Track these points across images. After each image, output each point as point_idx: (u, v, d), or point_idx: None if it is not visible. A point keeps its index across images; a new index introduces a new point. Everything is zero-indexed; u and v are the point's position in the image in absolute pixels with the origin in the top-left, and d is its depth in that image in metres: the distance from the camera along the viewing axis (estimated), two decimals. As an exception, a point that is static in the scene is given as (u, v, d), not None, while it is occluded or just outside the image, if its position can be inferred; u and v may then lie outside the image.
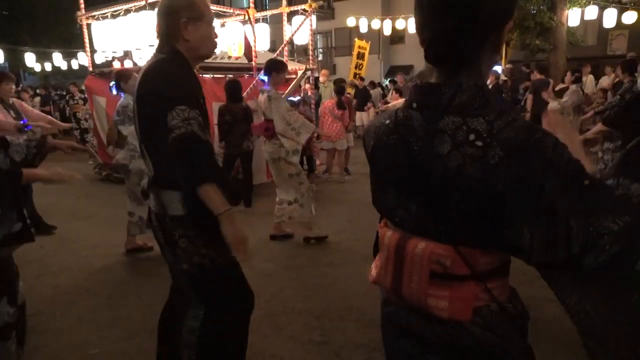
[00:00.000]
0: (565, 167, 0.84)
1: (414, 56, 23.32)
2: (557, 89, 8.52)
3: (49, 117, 5.94)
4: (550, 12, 13.54)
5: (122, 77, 4.34)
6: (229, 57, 7.52)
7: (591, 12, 11.72)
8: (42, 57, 17.75)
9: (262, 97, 4.42)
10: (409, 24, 12.60)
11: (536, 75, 8.61)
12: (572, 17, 12.25)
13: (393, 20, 12.90)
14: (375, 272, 1.13)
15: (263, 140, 4.53)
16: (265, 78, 4.34)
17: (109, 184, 7.74)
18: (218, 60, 7.49)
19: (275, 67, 4.32)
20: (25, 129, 4.26)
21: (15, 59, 18.70)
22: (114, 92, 4.46)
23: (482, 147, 0.88)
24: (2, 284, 2.14)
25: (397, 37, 21.77)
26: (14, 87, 4.95)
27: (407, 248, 1.00)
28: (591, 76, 11.53)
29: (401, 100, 6.77)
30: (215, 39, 1.93)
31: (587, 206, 0.83)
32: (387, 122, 1.05)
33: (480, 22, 0.91)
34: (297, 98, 6.73)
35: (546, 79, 8.37)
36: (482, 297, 0.97)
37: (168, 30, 1.83)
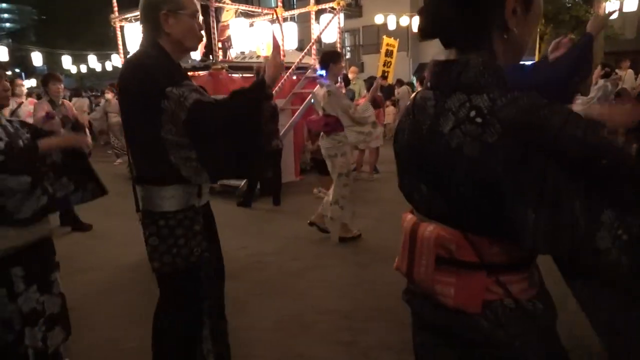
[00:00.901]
0: (578, 147, 0.74)
1: (443, 52, 23.00)
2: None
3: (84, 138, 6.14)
4: (586, 5, 13.09)
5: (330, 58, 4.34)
6: (258, 57, 7.57)
7: (630, 3, 11.26)
8: (78, 59, 18.33)
9: (320, 92, 4.34)
10: (438, 20, 12.40)
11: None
12: (610, 9, 11.81)
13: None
14: (398, 258, 1.11)
15: (321, 136, 4.48)
16: (323, 72, 4.30)
17: (141, 183, 7.91)
18: (247, 60, 7.56)
19: (332, 59, 4.28)
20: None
21: (53, 62, 19.35)
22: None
23: (481, 124, 0.81)
24: (35, 271, 2.21)
25: (426, 33, 21.44)
26: (61, 87, 5.12)
27: (419, 232, 0.97)
28: (630, 71, 11.09)
29: None
30: (200, 31, 1.87)
31: (603, 195, 0.73)
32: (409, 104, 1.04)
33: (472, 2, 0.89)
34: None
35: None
36: (494, 290, 0.90)
37: (148, 24, 1.79)
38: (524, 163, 0.77)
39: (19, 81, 6.86)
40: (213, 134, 1.66)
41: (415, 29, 13.22)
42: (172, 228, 1.79)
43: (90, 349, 2.82)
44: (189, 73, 7.26)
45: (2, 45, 14.68)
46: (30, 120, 6.28)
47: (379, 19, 13.21)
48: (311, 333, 2.89)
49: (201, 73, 7.06)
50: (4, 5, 67.95)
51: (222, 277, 2.17)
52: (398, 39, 12.58)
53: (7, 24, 68.62)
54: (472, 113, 0.84)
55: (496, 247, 0.90)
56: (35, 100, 5.81)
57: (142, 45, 1.82)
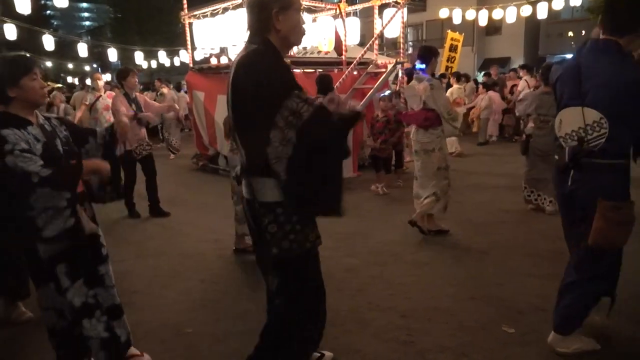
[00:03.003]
0: None
1: (511, 47, 22.04)
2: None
3: (170, 105, 6.35)
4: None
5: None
6: (319, 52, 7.60)
7: None
8: (149, 55, 19.24)
9: (420, 85, 4.30)
10: (507, 14, 11.87)
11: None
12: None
13: (490, 10, 12.23)
14: None
15: (416, 129, 4.46)
16: (423, 66, 4.29)
17: (204, 174, 8.20)
18: (308, 55, 7.60)
19: (434, 53, 4.32)
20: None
21: (126, 58, 20.44)
22: None
23: None
24: (80, 267, 2.26)
25: (493, 27, 20.67)
26: (136, 81, 5.37)
27: None
28: None
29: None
30: (304, 26, 1.95)
31: None
32: None
33: None
34: (388, 92, 6.61)
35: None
36: None
37: (259, 23, 1.85)
38: None
39: (97, 75, 7.18)
40: (332, 131, 1.79)
41: (482, 22, 12.80)
42: (289, 215, 1.85)
43: (151, 332, 2.94)
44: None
45: (82, 42, 15.69)
46: (107, 114, 6.63)
47: (443, 13, 12.84)
48: (367, 330, 2.86)
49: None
50: (84, 4, 72.76)
51: None
52: (463, 34, 12.19)
53: (87, 22, 73.46)
54: None
55: None
56: (113, 94, 6.08)
57: (251, 42, 1.88)
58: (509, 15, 11.91)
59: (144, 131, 5.32)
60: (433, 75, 4.54)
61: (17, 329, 3.03)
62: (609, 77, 2.20)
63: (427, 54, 4.30)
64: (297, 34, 1.92)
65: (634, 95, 2.14)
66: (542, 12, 11.57)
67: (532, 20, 15.28)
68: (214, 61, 9.70)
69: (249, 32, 1.92)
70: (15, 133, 2.01)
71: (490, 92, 10.16)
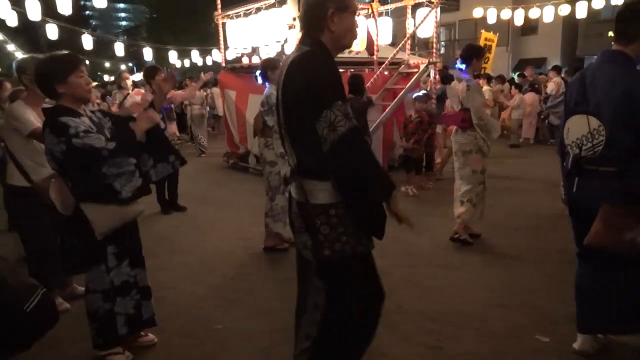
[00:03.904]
0: None
1: (547, 48, 21.43)
2: None
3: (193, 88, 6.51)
4: None
5: (269, 65, 4.26)
6: (350, 52, 7.57)
7: None
8: (182, 54, 19.60)
9: (459, 86, 4.29)
10: (544, 13, 11.56)
11: None
12: None
13: (526, 9, 11.93)
14: None
15: (455, 130, 4.42)
16: (463, 66, 4.24)
17: (234, 172, 8.30)
18: (339, 55, 7.59)
19: (476, 54, 4.25)
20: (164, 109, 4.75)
21: (160, 57, 20.90)
22: (260, 81, 4.43)
23: None
24: (126, 248, 2.46)
25: (529, 27, 20.11)
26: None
27: None
28: None
29: None
30: (357, 29, 1.94)
31: None
32: None
33: None
34: (423, 92, 6.52)
35: None
36: None
37: (313, 22, 1.84)
38: None
39: (125, 75, 7.35)
40: (359, 156, 1.77)
41: (517, 22, 12.51)
42: (341, 217, 1.83)
43: (182, 327, 2.99)
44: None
45: (119, 41, 16.13)
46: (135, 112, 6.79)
47: (477, 12, 12.59)
48: (395, 333, 2.83)
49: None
50: (121, 5, 74.75)
51: None
52: (497, 34, 11.94)
53: (124, 22, 75.42)
54: None
55: None
56: (142, 92, 6.17)
57: (303, 43, 1.87)
58: (546, 14, 11.58)
59: (174, 126, 5.40)
60: (478, 76, 4.47)
61: (62, 329, 3.04)
62: (607, 87, 2.23)
63: (469, 53, 4.21)
64: (350, 36, 1.89)
65: (627, 105, 2.15)
66: (581, 12, 11.19)
67: (570, 19, 14.83)
68: (245, 60, 9.81)
69: (301, 33, 1.91)
70: (73, 119, 2.21)
71: (528, 94, 9.92)
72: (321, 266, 1.92)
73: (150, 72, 5.30)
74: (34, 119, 2.94)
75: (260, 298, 3.37)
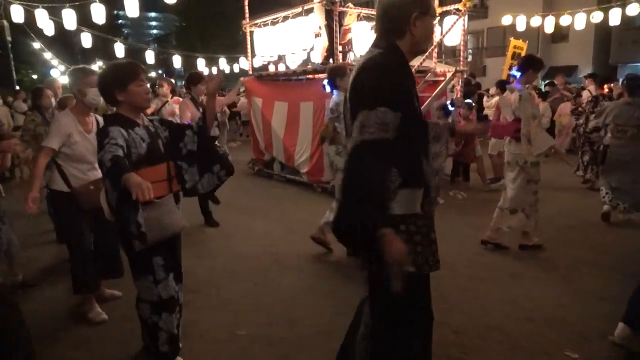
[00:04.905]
0: None
1: (578, 55, 20.94)
2: None
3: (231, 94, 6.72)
4: None
5: (338, 72, 4.17)
6: (376, 60, 7.58)
7: None
8: (210, 61, 19.96)
9: (512, 96, 4.25)
10: (576, 20, 11.32)
11: None
12: None
13: (557, 17, 11.71)
14: None
15: (508, 140, 4.38)
16: (518, 74, 4.21)
17: (259, 179, 8.37)
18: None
19: (535, 66, 4.19)
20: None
21: (189, 64, 21.31)
22: (328, 89, 4.35)
23: None
24: (171, 261, 2.44)
25: (560, 35, 19.77)
26: (204, 88, 5.47)
27: None
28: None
29: None
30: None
31: None
32: None
33: None
34: (468, 101, 6.52)
35: None
36: None
37: (393, 25, 1.75)
38: None
39: (162, 82, 7.44)
40: (358, 179, 1.62)
41: (548, 29, 12.28)
42: (411, 234, 1.72)
43: (206, 332, 3.03)
44: (309, 76, 7.61)
45: (150, 49, 16.55)
46: (173, 120, 6.86)
47: (506, 20, 12.42)
48: (418, 344, 2.79)
49: (321, 75, 7.25)
50: (152, 14, 76.71)
51: None
52: (527, 41, 11.76)
53: (154, 31, 77.34)
54: None
55: None
56: (180, 99, 6.19)
57: (376, 46, 1.78)
58: (578, 21, 11.35)
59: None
60: (536, 87, 4.43)
61: (92, 329, 3.12)
62: None
63: (528, 63, 4.16)
64: (429, 40, 1.84)
65: None
66: (615, 19, 10.92)
67: (602, 26, 14.48)
68: (272, 68, 9.92)
69: (375, 35, 1.84)
70: (119, 130, 2.18)
71: (563, 104, 9.70)
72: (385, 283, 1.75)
73: (193, 79, 5.20)
74: (74, 129, 3.05)
75: (283, 305, 3.38)
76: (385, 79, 1.64)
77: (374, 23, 6.76)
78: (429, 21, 1.76)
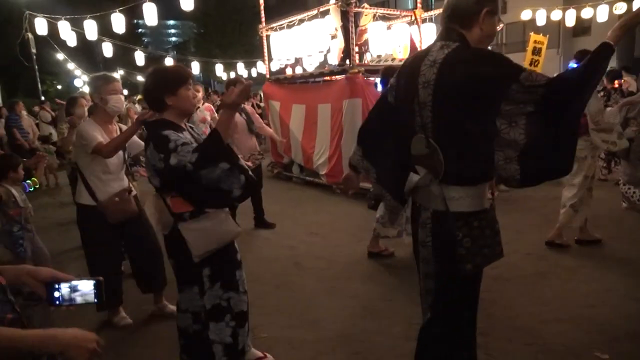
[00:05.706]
0: None
1: (601, 49, 20.49)
2: None
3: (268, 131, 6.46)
4: None
5: (392, 73, 4.24)
6: (393, 59, 7.53)
7: None
8: (228, 67, 20.15)
9: None
10: (598, 12, 11.06)
11: None
12: None
13: (578, 10, 11.46)
14: None
15: None
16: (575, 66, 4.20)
17: (278, 181, 8.40)
18: (382, 63, 7.55)
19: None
20: None
21: (207, 70, 21.57)
22: (380, 88, 4.32)
23: None
24: (220, 270, 2.33)
25: (582, 28, 19.33)
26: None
27: None
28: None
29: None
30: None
31: None
32: None
33: None
34: None
35: None
36: None
37: (464, 17, 1.77)
38: None
39: (197, 87, 7.39)
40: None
41: (569, 23, 12.03)
42: (482, 229, 1.78)
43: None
44: (326, 78, 7.61)
45: (169, 57, 16.82)
46: (203, 126, 6.88)
47: (525, 15, 12.20)
48: (442, 346, 2.75)
49: (338, 77, 7.24)
50: (171, 22, 77.96)
51: None
52: (547, 35, 11.54)
53: (173, 38, 78.58)
54: None
55: None
56: (210, 106, 6.18)
57: (447, 39, 1.78)
58: (600, 14, 11.07)
59: (254, 140, 5.27)
60: None
61: (117, 333, 3.14)
62: None
63: (581, 58, 4.11)
64: (490, 40, 1.87)
65: None
66: (639, 9, 10.64)
67: (626, 18, 14.09)
68: (289, 71, 9.95)
69: (442, 29, 1.83)
70: (174, 132, 2.14)
71: None
72: (456, 280, 1.85)
73: (233, 84, 5.21)
74: (99, 135, 3.01)
75: (305, 307, 3.37)
76: (495, 62, 1.69)
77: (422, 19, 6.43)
78: (494, 21, 1.81)
